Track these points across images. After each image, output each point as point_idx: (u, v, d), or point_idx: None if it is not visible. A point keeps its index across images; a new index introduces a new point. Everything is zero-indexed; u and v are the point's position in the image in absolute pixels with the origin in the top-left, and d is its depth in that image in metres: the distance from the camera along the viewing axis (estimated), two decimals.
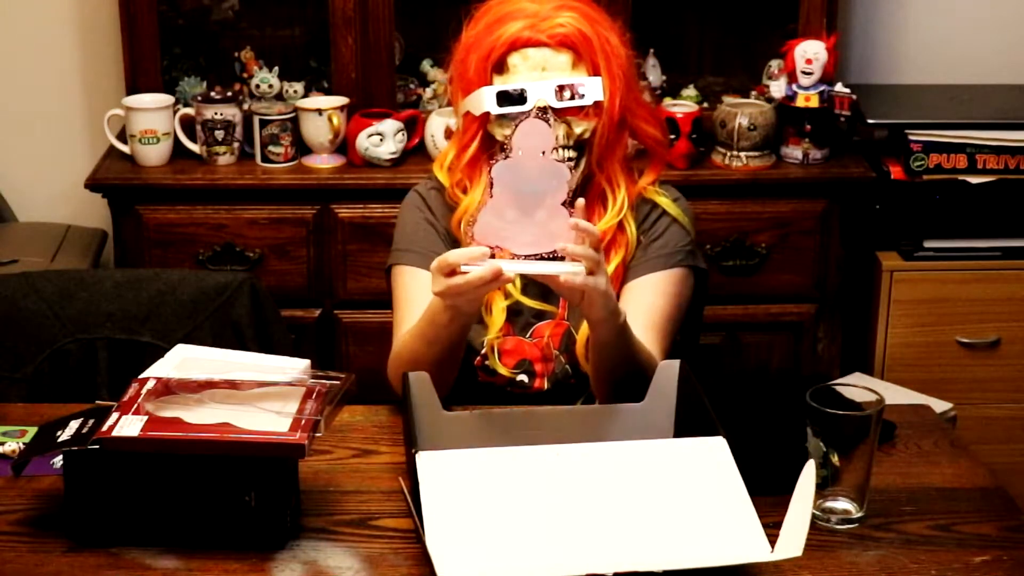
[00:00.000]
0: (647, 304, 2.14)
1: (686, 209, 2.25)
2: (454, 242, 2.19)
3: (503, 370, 2.17)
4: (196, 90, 3.26)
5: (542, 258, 1.83)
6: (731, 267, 3.13)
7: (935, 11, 3.50)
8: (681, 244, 2.20)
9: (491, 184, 1.82)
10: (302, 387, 1.79)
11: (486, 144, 2.14)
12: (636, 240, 2.18)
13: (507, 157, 1.83)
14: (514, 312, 2.19)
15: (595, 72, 2.10)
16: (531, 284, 2.17)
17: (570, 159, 2.11)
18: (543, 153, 1.82)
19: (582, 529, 1.64)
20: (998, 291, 3.20)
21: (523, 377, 2.18)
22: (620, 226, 2.17)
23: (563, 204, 1.82)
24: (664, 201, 2.22)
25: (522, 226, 1.81)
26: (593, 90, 2.09)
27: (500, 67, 2.11)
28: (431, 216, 2.22)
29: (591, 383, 2.11)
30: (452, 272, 1.84)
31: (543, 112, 1.91)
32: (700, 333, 2.54)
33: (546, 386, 2.18)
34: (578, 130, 2.11)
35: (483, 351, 2.18)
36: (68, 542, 1.74)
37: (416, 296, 2.15)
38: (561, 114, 2.09)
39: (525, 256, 1.83)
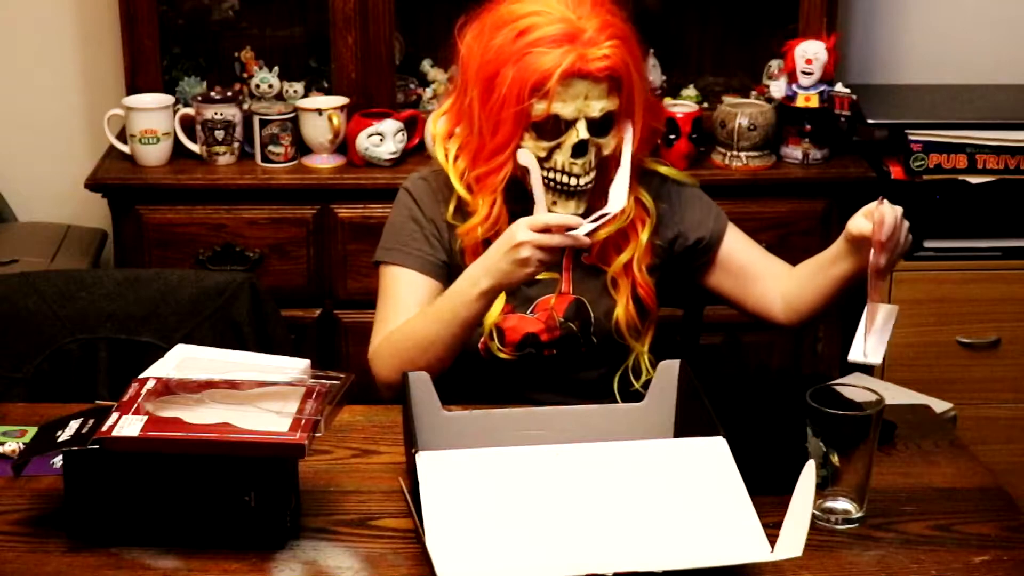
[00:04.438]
0: (747, 248, 2.28)
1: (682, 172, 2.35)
2: (441, 238, 2.21)
3: (504, 355, 2.19)
4: (196, 90, 3.26)
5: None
6: None
7: (935, 11, 3.50)
8: (713, 204, 2.29)
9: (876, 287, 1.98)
10: (302, 387, 1.79)
11: (513, 161, 2.13)
12: (655, 209, 2.23)
13: None
14: (512, 292, 2.19)
15: (627, 96, 2.10)
16: None
17: (595, 179, 2.12)
18: None
19: (582, 529, 1.64)
20: (998, 291, 3.20)
21: (530, 349, 2.21)
22: (637, 201, 2.20)
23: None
24: (667, 170, 2.29)
25: (879, 296, 1.98)
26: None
27: (544, 92, 2.07)
28: (419, 214, 2.23)
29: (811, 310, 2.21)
30: (543, 231, 2.00)
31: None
32: (700, 333, 2.54)
33: (555, 352, 2.20)
34: (606, 152, 2.12)
35: (483, 336, 2.19)
36: (68, 542, 1.74)
37: (399, 293, 2.18)
38: (594, 141, 2.11)
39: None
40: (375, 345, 2.17)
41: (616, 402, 2.18)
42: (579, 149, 2.09)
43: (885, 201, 1.97)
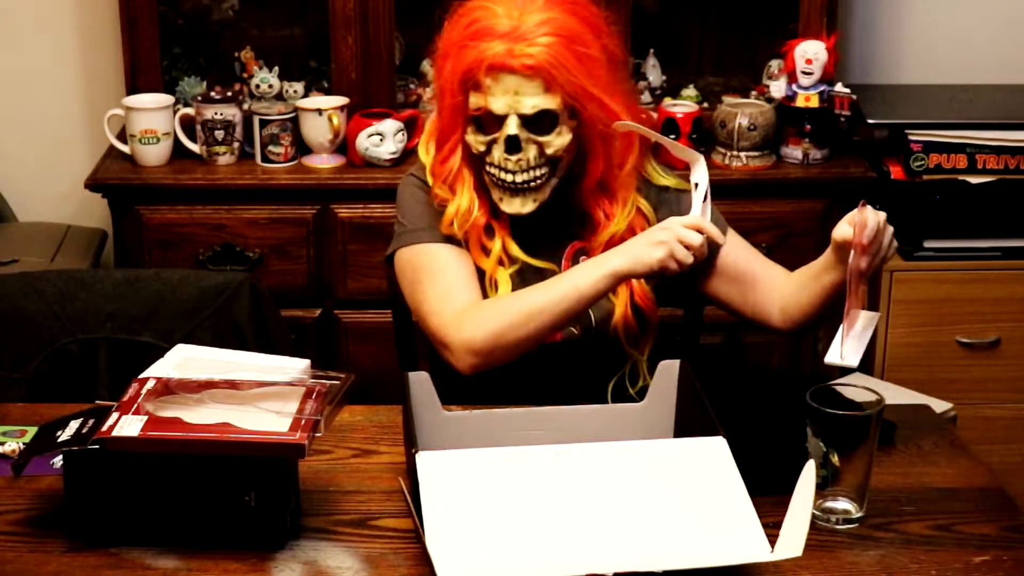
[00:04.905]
0: (746, 255, 2.24)
1: None
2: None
3: None
4: (196, 90, 3.26)
5: None
6: None
7: (935, 11, 3.50)
8: (714, 210, 2.26)
9: (855, 284, 1.97)
10: (302, 387, 1.79)
11: (465, 152, 2.17)
12: (655, 218, 2.22)
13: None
14: (517, 280, 2.21)
15: (567, 96, 2.09)
16: (536, 243, 2.21)
17: (539, 177, 2.13)
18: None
19: (582, 529, 1.64)
20: (998, 291, 3.20)
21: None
22: (637, 211, 2.21)
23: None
24: (670, 181, 2.27)
25: (856, 301, 1.98)
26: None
27: (476, 85, 2.11)
28: (431, 196, 2.24)
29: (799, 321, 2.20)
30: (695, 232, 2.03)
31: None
32: (700, 333, 2.54)
33: (555, 354, 2.19)
34: (550, 151, 2.12)
35: None
36: (68, 542, 1.74)
37: (445, 265, 2.17)
38: (532, 138, 2.11)
39: None
40: (448, 315, 2.11)
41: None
42: (511, 145, 2.10)
43: (867, 206, 1.97)
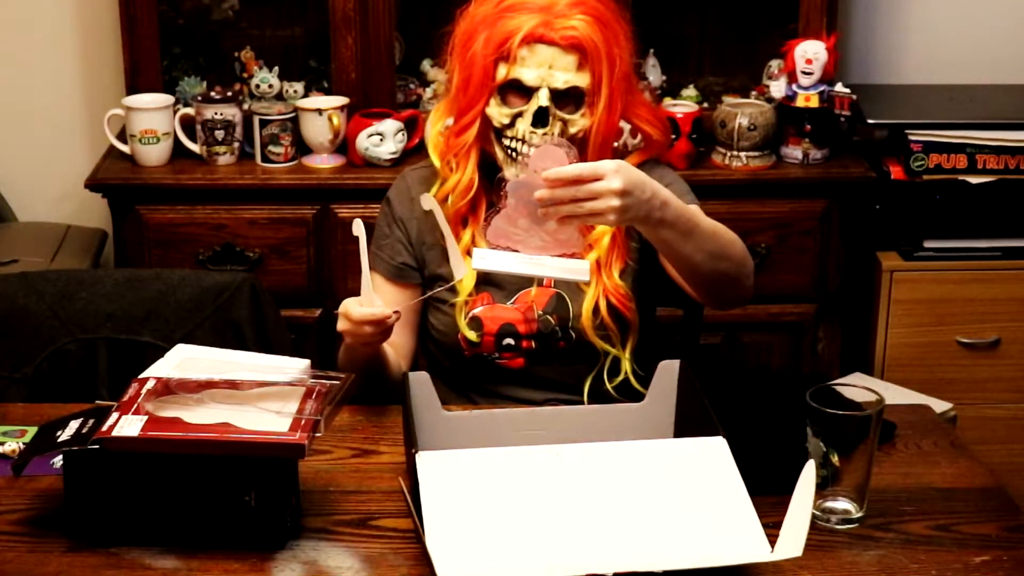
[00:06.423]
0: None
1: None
2: (410, 237, 2.24)
3: (473, 336, 2.19)
4: (196, 90, 3.26)
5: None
6: None
7: (935, 11, 3.50)
8: (682, 183, 2.24)
9: (505, 196, 1.94)
10: (302, 387, 1.79)
11: (482, 128, 2.16)
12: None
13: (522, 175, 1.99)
14: (496, 284, 2.21)
15: (597, 77, 2.11)
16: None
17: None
18: None
19: (582, 529, 1.64)
20: (998, 291, 3.20)
21: (509, 340, 2.20)
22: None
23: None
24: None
25: (533, 234, 1.95)
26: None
27: (507, 56, 2.12)
28: (390, 218, 2.27)
29: (695, 292, 2.15)
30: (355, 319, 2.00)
31: (560, 138, 2.06)
32: (700, 333, 2.54)
33: (534, 345, 2.20)
34: (573, 130, 2.13)
35: (460, 330, 2.20)
36: (68, 542, 1.74)
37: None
38: (558, 114, 2.12)
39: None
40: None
41: (583, 403, 2.18)
42: (539, 117, 2.11)
43: (555, 148, 1.93)
